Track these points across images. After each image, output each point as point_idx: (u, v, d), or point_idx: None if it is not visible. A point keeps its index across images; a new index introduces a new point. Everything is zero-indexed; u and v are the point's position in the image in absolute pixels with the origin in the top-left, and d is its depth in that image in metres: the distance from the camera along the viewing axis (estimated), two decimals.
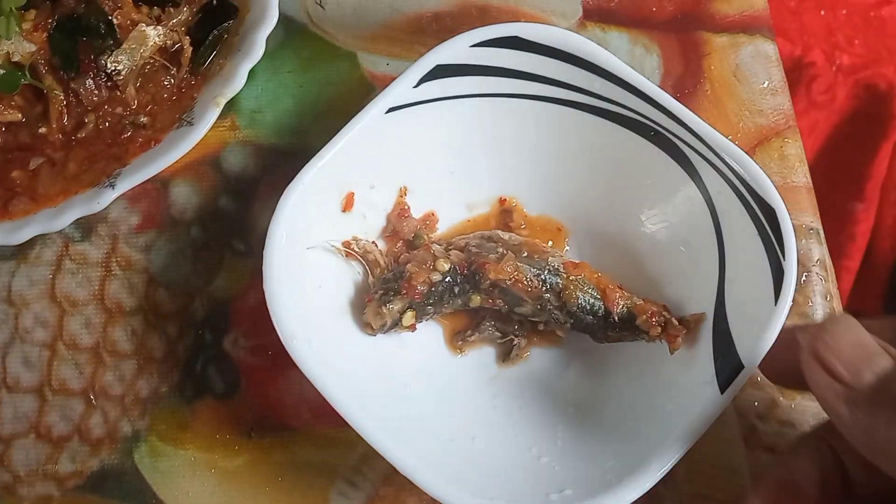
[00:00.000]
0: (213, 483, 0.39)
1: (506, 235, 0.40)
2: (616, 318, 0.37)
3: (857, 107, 0.78)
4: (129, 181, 0.36)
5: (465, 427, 0.37)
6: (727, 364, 0.34)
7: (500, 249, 0.38)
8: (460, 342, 0.40)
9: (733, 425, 0.40)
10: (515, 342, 0.40)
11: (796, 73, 0.74)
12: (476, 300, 0.39)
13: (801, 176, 0.44)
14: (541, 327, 0.40)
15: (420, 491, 0.33)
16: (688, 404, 0.34)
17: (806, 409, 0.41)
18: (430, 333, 0.40)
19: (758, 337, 0.34)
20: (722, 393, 0.34)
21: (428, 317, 0.39)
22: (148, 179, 0.38)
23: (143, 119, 0.39)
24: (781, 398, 0.41)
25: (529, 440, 0.37)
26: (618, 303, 0.37)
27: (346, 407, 0.34)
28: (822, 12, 0.78)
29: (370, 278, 0.39)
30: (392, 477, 0.39)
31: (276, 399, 0.40)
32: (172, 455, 0.40)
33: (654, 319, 0.37)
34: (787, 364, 0.29)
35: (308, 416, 0.40)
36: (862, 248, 0.74)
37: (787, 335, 0.31)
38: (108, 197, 0.36)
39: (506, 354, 0.40)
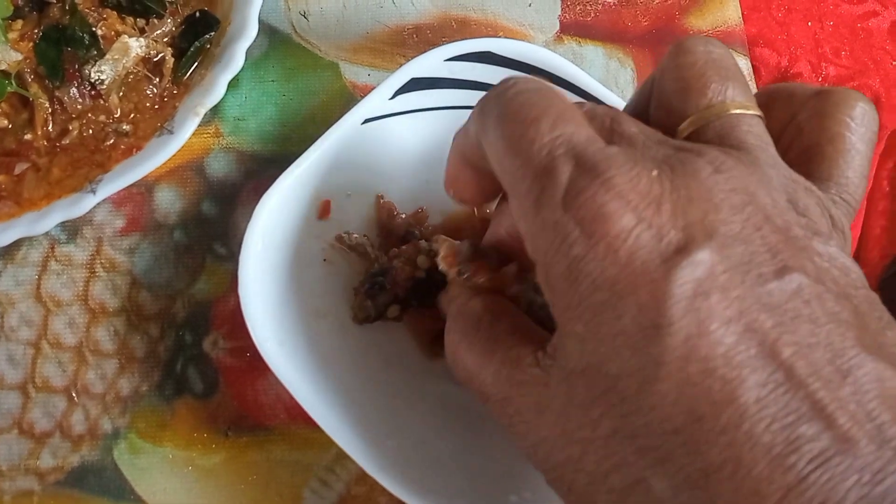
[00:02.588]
0: (190, 480, 0.40)
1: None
2: None
3: None
4: (110, 187, 0.37)
5: (434, 429, 0.38)
6: None
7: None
8: (436, 346, 0.40)
9: None
10: None
11: None
12: None
13: None
14: None
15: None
16: None
17: None
18: (406, 336, 0.41)
19: None
20: None
21: (413, 308, 0.39)
22: (133, 184, 0.39)
23: (126, 127, 0.40)
24: None
25: (496, 444, 0.38)
26: None
27: (316, 408, 0.35)
28: (809, 23, 0.78)
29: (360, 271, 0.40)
30: (364, 477, 0.40)
31: (253, 399, 0.41)
32: (151, 452, 0.40)
33: None
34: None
35: (284, 417, 0.41)
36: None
37: None
38: (89, 202, 0.37)
39: None
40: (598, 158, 0.22)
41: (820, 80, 0.77)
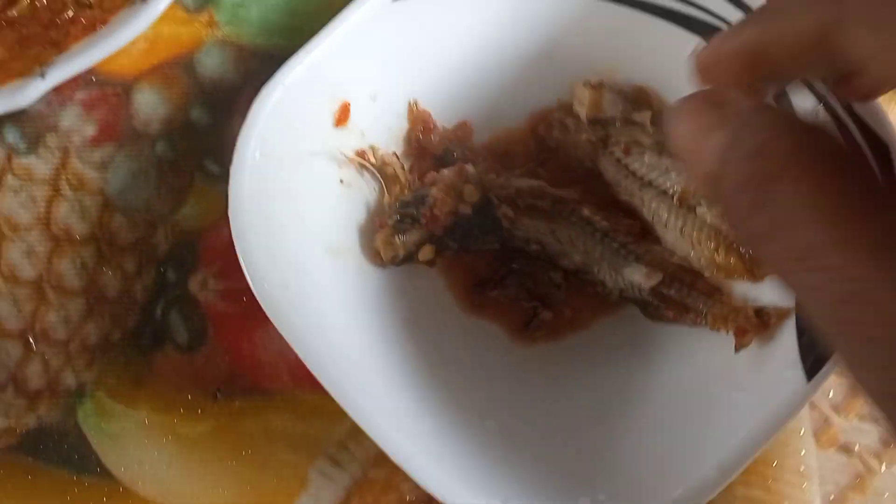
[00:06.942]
0: (169, 452, 0.36)
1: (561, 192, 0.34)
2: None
3: None
4: (63, 70, 0.32)
5: (476, 404, 0.32)
6: (815, 343, 0.28)
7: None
8: (478, 297, 0.35)
9: (802, 418, 0.37)
10: (540, 314, 0.35)
11: None
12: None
13: None
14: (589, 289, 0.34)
15: None
16: (763, 392, 0.29)
17: None
18: (440, 283, 0.35)
19: None
20: (809, 380, 0.28)
21: (451, 252, 0.34)
22: (108, 84, 0.36)
23: None
24: None
25: (558, 426, 0.32)
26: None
27: (326, 371, 0.29)
28: None
29: (385, 197, 0.34)
30: (384, 457, 0.34)
31: (249, 355, 0.37)
32: (123, 416, 0.37)
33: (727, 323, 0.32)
34: None
35: (287, 379, 0.37)
36: None
37: None
38: (36, 89, 0.32)
39: (524, 324, 0.35)
40: None
41: None
